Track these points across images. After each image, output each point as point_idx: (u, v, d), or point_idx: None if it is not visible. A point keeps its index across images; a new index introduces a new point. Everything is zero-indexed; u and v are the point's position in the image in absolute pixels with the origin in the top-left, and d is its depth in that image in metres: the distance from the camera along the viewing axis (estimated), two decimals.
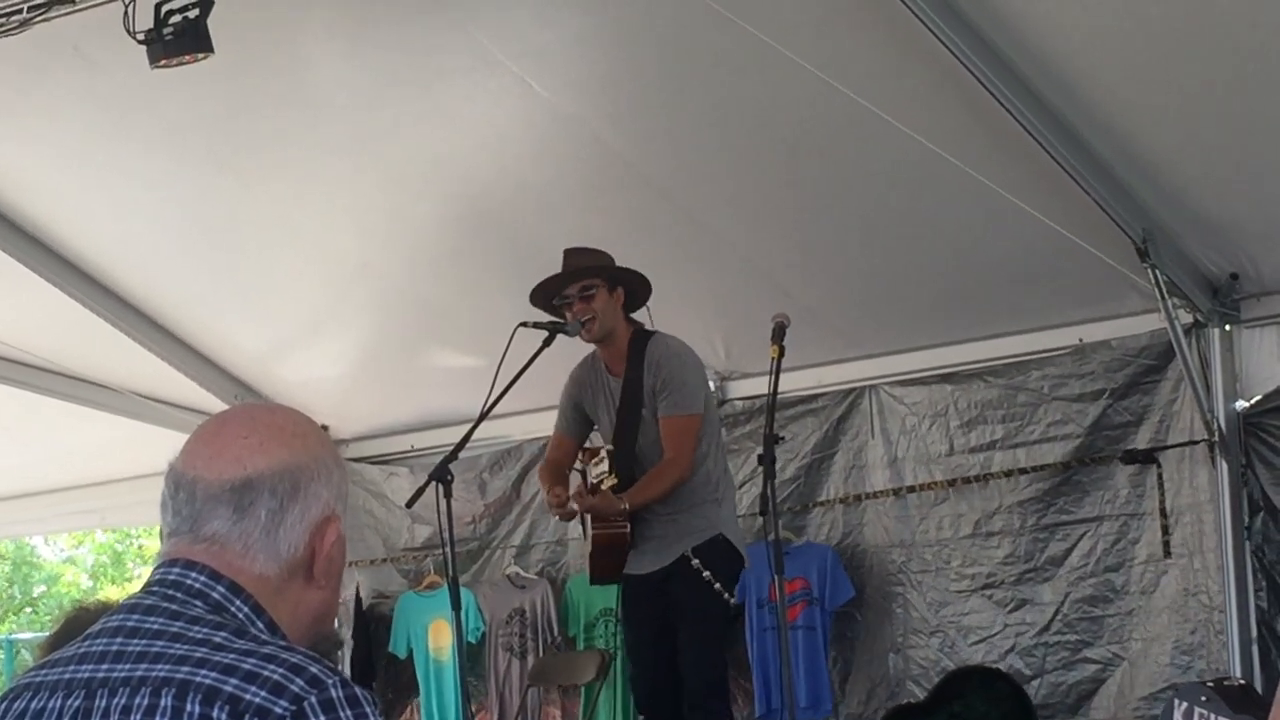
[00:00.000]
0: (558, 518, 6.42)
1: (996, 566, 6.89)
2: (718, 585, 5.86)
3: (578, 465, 6.23)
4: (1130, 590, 6.64)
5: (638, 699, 6.38)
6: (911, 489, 7.12)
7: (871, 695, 7.16)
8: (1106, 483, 6.73)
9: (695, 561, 5.87)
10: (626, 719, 7.46)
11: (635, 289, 6.07)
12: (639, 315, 6.13)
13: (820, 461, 7.36)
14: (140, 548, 21.79)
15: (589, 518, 6.01)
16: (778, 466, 5.85)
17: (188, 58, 4.97)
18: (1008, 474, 6.88)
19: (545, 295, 6.03)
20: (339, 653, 8.45)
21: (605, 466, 5.98)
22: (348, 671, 8.17)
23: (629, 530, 5.96)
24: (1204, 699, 5.41)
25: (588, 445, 6.36)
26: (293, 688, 1.86)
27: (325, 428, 8.11)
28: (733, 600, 6.00)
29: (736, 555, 5.98)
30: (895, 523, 7.16)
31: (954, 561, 6.98)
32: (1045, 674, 6.77)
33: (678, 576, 5.91)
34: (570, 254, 6.02)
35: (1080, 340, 6.78)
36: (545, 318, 6.00)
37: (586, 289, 5.94)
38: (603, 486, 5.93)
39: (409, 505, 6.22)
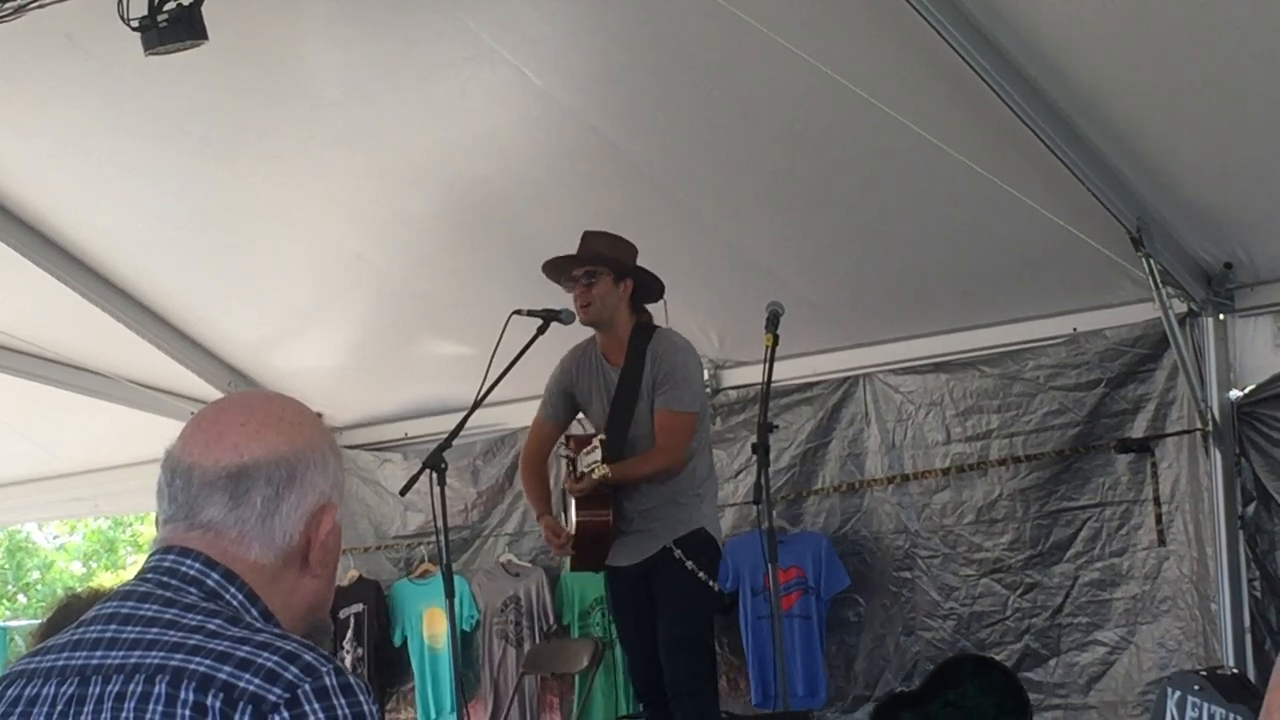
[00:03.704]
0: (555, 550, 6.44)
1: (1003, 552, 6.90)
2: (701, 575, 5.89)
3: (566, 452, 6.21)
4: (1134, 576, 6.66)
5: (636, 688, 6.40)
6: (909, 477, 7.11)
7: (875, 680, 7.17)
8: (1107, 470, 6.73)
9: (678, 553, 5.90)
10: (624, 708, 7.47)
11: (647, 284, 6.07)
12: (654, 309, 6.13)
13: (815, 450, 7.35)
14: (134, 534, 21.79)
15: (573, 503, 6.02)
16: (772, 455, 5.87)
17: (182, 45, 4.96)
18: (1006, 462, 6.88)
19: (555, 270, 6.04)
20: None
21: (597, 455, 5.97)
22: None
23: (611, 520, 5.98)
24: (1197, 688, 5.40)
25: (578, 433, 6.35)
26: (287, 675, 1.86)
27: (320, 415, 8.09)
28: (717, 586, 6.03)
29: (717, 548, 6.04)
30: (896, 510, 7.15)
31: (960, 547, 6.99)
32: (1061, 654, 6.79)
33: (660, 568, 5.94)
34: (588, 236, 6.03)
35: (1075, 330, 6.77)
36: (540, 305, 6.01)
37: (591, 275, 5.95)
38: (594, 476, 5.93)
39: (403, 493, 6.23)
